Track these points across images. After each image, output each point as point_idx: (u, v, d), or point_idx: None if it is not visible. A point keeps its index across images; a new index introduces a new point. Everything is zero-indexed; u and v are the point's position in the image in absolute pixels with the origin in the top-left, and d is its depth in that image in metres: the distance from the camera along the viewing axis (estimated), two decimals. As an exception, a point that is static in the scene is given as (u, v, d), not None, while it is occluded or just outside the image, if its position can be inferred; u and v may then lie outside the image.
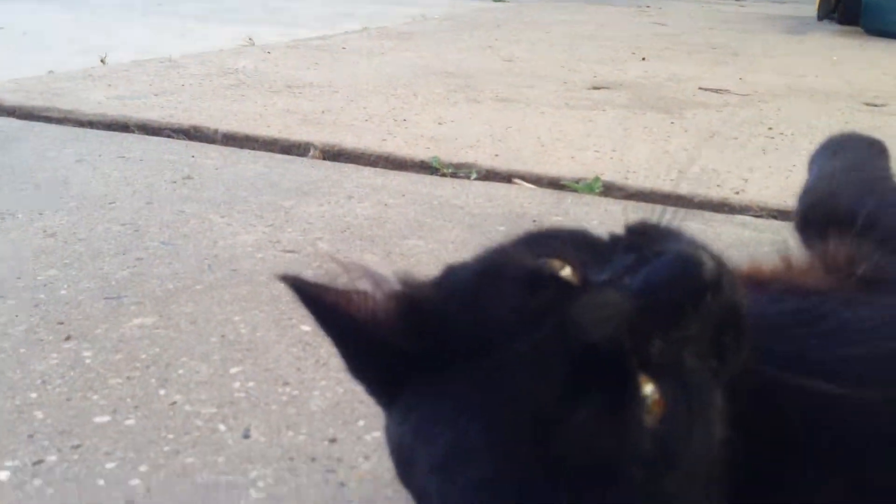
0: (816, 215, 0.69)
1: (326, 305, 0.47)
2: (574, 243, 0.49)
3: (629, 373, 0.40)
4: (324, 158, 1.56)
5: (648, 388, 0.41)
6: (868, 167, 0.76)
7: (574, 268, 0.45)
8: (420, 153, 1.53)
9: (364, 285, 0.47)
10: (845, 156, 0.80)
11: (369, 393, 0.49)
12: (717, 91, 2.21)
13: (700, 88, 2.25)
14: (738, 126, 1.81)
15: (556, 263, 0.45)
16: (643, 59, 2.78)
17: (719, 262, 0.44)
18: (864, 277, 0.53)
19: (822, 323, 0.49)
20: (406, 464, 0.46)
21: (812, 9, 4.09)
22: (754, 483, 0.45)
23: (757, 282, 0.53)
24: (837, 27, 3.92)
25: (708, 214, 1.27)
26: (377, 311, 0.47)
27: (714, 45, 3.21)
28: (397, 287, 0.47)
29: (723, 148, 1.62)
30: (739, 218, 1.27)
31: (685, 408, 0.41)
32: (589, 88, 2.24)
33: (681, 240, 0.46)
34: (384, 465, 0.65)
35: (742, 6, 5.29)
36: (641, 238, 0.47)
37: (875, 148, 0.82)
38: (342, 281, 0.47)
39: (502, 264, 0.47)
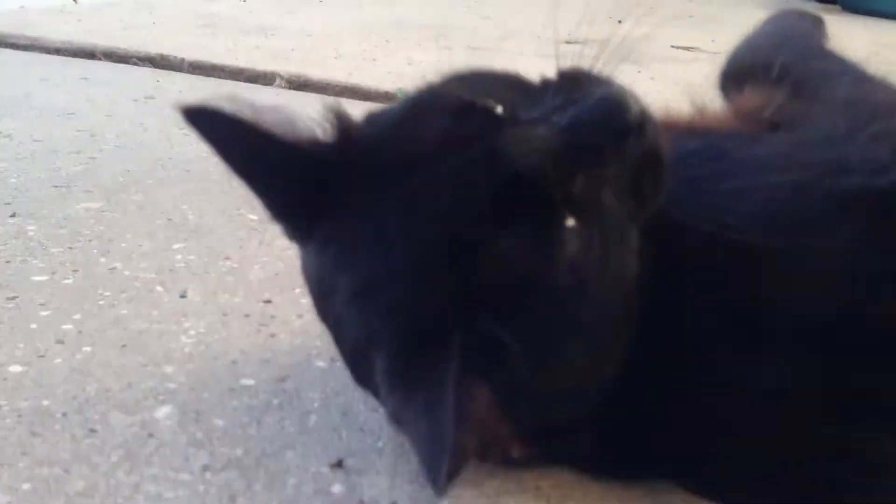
0: (736, 70, 0.70)
1: (237, 135, 0.46)
2: (506, 84, 0.49)
3: (552, 204, 0.41)
4: (290, 88, 1.56)
5: (570, 221, 0.42)
6: (796, 30, 0.77)
7: (504, 104, 0.45)
8: (386, 86, 1.54)
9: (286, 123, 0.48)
10: (777, 23, 0.81)
11: (286, 232, 0.48)
12: (687, 49, 2.23)
13: (672, 46, 2.27)
14: (705, 77, 1.83)
15: (486, 99, 0.46)
16: (619, 21, 2.79)
17: (644, 108, 0.45)
18: (771, 121, 0.54)
19: (721, 160, 0.50)
20: (324, 296, 0.46)
21: (794, -11, 4.11)
22: (660, 326, 0.46)
23: (670, 127, 0.54)
24: (816, 4, 3.94)
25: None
26: (299, 138, 0.47)
27: (692, 14, 3.22)
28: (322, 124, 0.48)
29: (687, 93, 1.64)
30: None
31: (603, 243, 0.42)
32: (562, 43, 2.24)
33: (611, 85, 0.47)
34: (316, 324, 0.66)
35: (725, -13, 5.31)
36: (573, 82, 0.48)
37: (809, 18, 0.82)
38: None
39: (433, 98, 0.48)
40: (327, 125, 0.48)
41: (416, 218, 0.42)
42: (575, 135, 0.42)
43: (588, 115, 0.43)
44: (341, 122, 0.47)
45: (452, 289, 0.40)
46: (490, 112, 0.44)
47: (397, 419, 0.42)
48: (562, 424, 0.44)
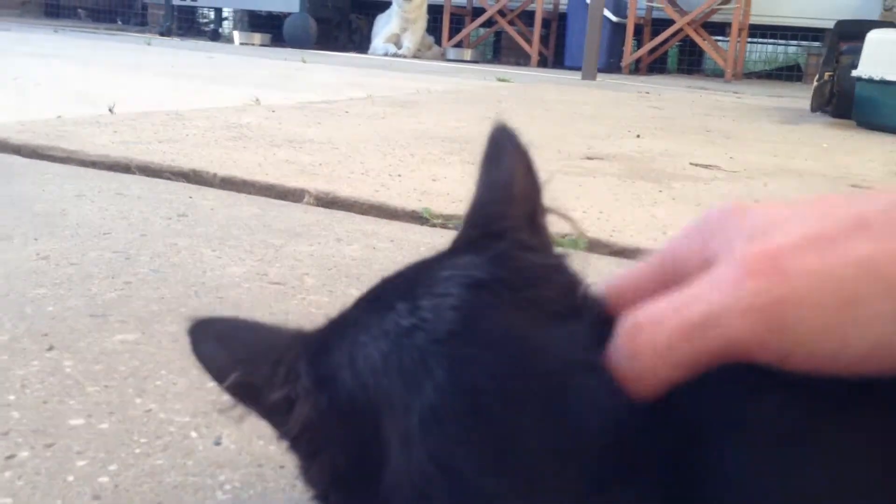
0: None
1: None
2: None
3: None
4: (318, 205, 1.59)
5: None
6: None
7: None
8: (412, 204, 1.57)
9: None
10: None
11: None
12: (706, 167, 2.27)
13: (690, 164, 2.31)
14: (725, 197, 1.85)
15: None
16: (638, 136, 2.86)
17: None
18: None
19: None
20: None
21: (808, 103, 4.21)
22: None
23: None
24: (830, 119, 4.02)
25: (690, 274, 1.30)
26: None
27: (708, 129, 3.29)
28: None
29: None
30: (721, 278, 1.29)
31: None
32: (582, 158, 2.29)
33: None
34: (351, 477, 0.66)
35: (739, 97, 5.43)
36: None
37: None
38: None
39: None
40: None
41: None
42: None
43: None
44: None
45: None
46: None
47: None
48: None
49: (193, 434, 0.71)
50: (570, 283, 0.43)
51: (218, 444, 0.70)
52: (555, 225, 0.47)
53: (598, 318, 0.40)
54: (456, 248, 0.44)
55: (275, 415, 0.43)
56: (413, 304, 0.40)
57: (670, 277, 0.37)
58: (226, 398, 0.44)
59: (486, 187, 0.46)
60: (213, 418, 0.74)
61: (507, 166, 0.45)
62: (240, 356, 0.44)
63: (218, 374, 0.44)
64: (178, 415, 0.74)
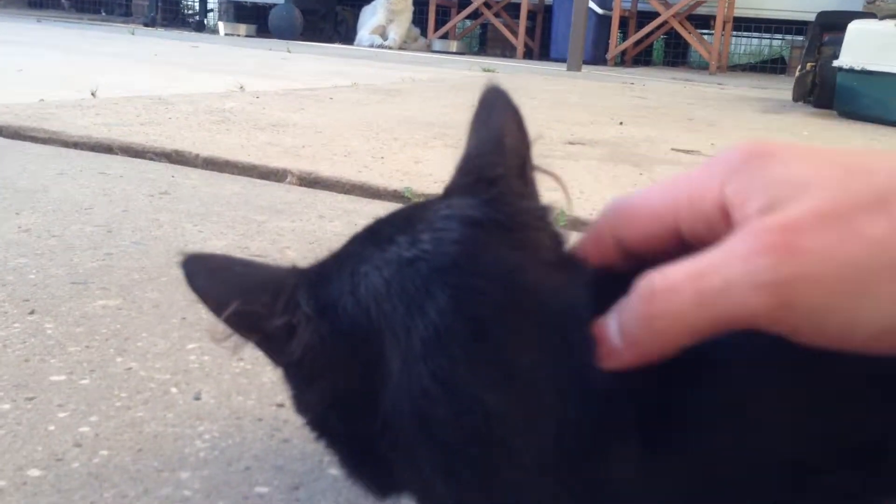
0: None
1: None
2: None
3: None
4: (300, 185, 1.60)
5: None
6: None
7: None
8: (394, 184, 1.58)
9: None
10: None
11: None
12: (688, 152, 2.29)
13: (672, 149, 2.33)
14: (705, 180, 1.88)
15: None
16: (621, 123, 2.88)
17: None
18: None
19: None
20: None
21: (790, 94, 4.24)
22: None
23: None
24: (812, 109, 4.06)
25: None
26: None
27: (691, 117, 3.32)
28: None
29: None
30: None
31: None
32: (565, 143, 2.31)
33: None
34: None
35: (723, 88, 5.47)
36: None
37: None
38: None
39: None
40: None
41: None
42: None
43: None
44: None
45: None
46: None
47: None
48: None
49: (174, 390, 0.72)
50: (556, 233, 0.45)
51: (197, 398, 0.71)
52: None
53: (586, 273, 0.42)
54: (449, 193, 0.45)
55: (274, 342, 0.44)
56: (414, 237, 0.41)
57: (683, 212, 0.37)
58: (221, 328, 0.45)
59: (477, 140, 0.47)
60: (193, 376, 0.75)
61: (498, 121, 0.47)
62: (238, 288, 0.45)
63: (216, 305, 0.45)
64: (159, 373, 0.75)
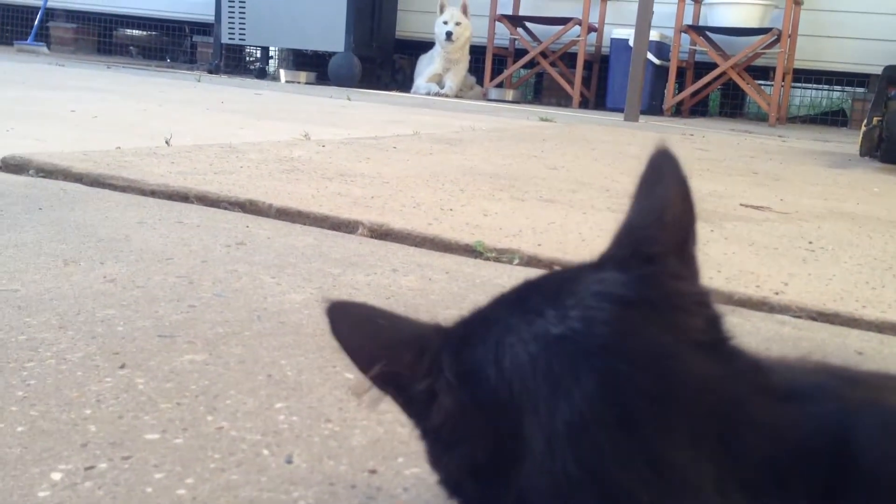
0: None
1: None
2: None
3: None
4: (371, 237, 1.61)
5: None
6: None
7: None
8: (465, 238, 1.58)
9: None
10: None
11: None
12: (757, 208, 2.26)
13: (741, 205, 2.29)
14: (779, 238, 1.84)
15: None
16: (685, 176, 2.85)
17: None
18: None
19: None
20: None
21: (855, 147, 4.16)
22: None
23: None
24: (879, 164, 3.97)
25: (747, 312, 1.29)
26: None
27: (755, 171, 3.28)
28: None
29: (763, 256, 1.65)
30: (779, 317, 1.28)
31: None
32: (629, 196, 2.29)
33: None
34: (422, 498, 0.66)
35: (784, 140, 5.40)
36: None
37: None
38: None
39: None
40: None
41: None
42: None
43: None
44: None
45: None
46: None
47: None
48: None
49: (265, 451, 0.72)
50: (714, 316, 0.43)
51: (289, 462, 0.70)
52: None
53: (746, 359, 0.41)
54: (602, 265, 0.45)
55: (416, 404, 0.45)
56: (563, 313, 0.41)
57: None
58: (365, 383, 0.45)
59: (639, 210, 0.46)
60: (284, 437, 0.75)
61: (662, 191, 0.46)
62: (383, 344, 0.46)
63: (361, 360, 0.46)
64: (249, 433, 0.75)
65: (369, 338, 0.48)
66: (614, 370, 0.38)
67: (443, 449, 0.44)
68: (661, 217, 0.44)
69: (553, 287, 0.44)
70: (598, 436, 0.37)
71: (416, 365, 0.44)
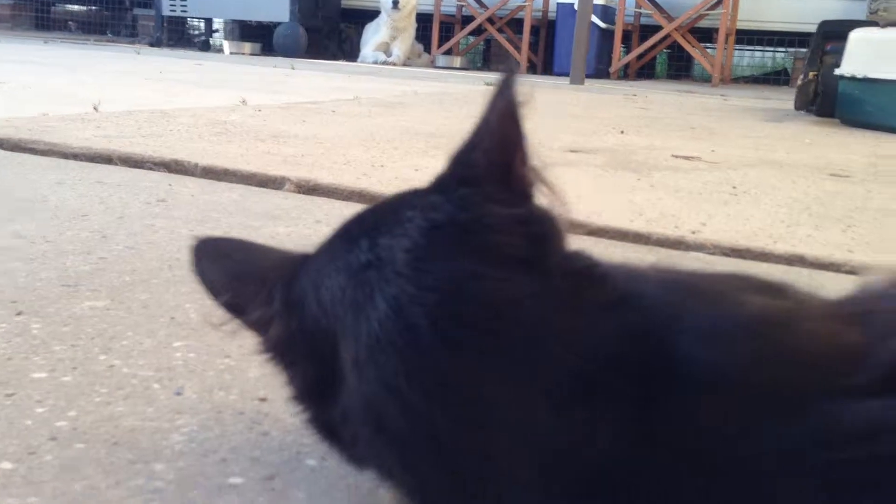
0: None
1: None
2: None
3: None
4: (298, 192, 1.60)
5: None
6: None
7: None
8: (392, 191, 1.57)
9: None
10: None
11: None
12: (688, 158, 2.29)
13: (672, 156, 2.32)
14: (704, 185, 1.87)
15: None
16: (622, 132, 2.88)
17: None
18: None
19: None
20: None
21: (793, 104, 4.23)
22: None
23: None
24: (814, 118, 4.05)
25: (664, 251, 1.31)
26: None
27: (693, 126, 3.31)
28: None
29: (686, 200, 1.67)
30: (693, 254, 1.30)
31: None
32: (566, 151, 2.31)
33: None
34: (310, 422, 0.67)
35: (726, 99, 5.46)
36: None
37: None
38: None
39: None
40: None
41: None
42: None
43: None
44: None
45: None
46: None
47: None
48: None
49: (155, 386, 0.71)
50: (539, 235, 0.44)
51: (179, 394, 0.70)
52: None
53: (575, 277, 0.43)
54: (430, 186, 0.47)
55: (256, 330, 0.50)
56: (373, 241, 0.43)
57: None
58: (219, 313, 0.51)
59: (474, 133, 0.47)
60: (177, 372, 0.74)
61: (487, 115, 0.47)
62: (231, 276, 0.51)
63: (213, 291, 0.52)
64: (142, 370, 0.75)
65: (223, 272, 0.52)
66: (405, 293, 0.40)
67: (283, 369, 0.49)
68: (482, 141, 0.46)
69: (377, 216, 0.47)
70: (390, 357, 0.39)
71: (255, 295, 0.48)
